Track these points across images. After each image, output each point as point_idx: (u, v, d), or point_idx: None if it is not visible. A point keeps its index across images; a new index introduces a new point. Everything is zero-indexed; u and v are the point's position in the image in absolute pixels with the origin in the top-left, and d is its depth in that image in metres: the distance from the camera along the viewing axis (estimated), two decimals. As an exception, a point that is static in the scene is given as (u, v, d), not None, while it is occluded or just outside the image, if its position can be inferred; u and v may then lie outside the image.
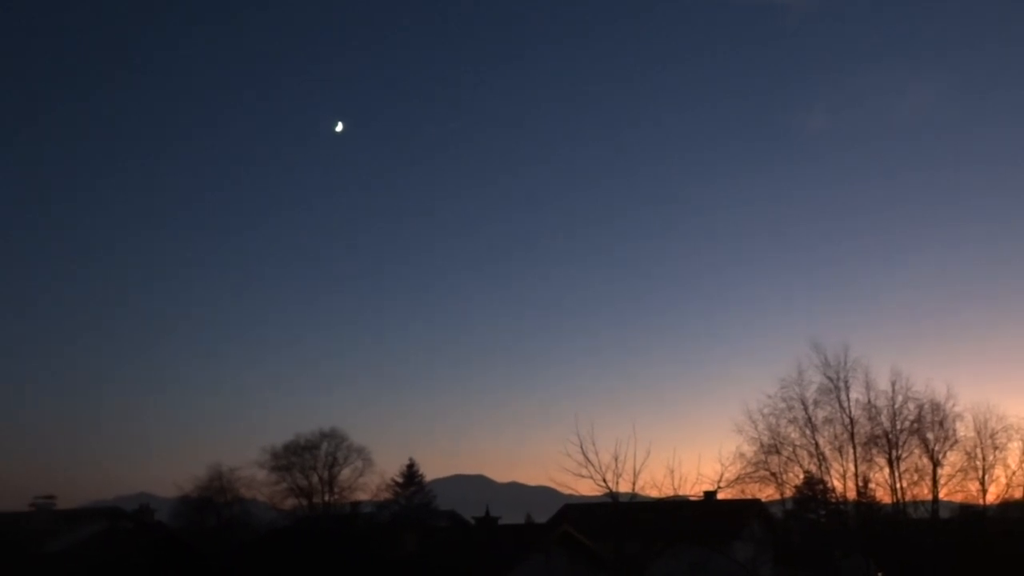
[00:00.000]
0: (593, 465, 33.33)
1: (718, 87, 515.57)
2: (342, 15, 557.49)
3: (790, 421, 39.12)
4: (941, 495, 39.02)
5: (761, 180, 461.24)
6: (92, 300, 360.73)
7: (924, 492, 38.98)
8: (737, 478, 37.14)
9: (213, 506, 56.93)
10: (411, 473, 61.13)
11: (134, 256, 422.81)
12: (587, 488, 34.91)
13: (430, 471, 63.18)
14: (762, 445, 38.96)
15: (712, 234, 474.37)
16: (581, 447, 33.20)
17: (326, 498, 58.58)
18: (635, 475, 33.45)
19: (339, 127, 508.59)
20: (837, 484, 39.23)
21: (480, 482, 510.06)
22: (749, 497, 41.15)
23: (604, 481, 33.65)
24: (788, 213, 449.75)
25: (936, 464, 38.56)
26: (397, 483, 60.63)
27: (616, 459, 33.18)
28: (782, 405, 39.07)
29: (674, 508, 36.89)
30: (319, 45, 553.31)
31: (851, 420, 38.48)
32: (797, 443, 39.12)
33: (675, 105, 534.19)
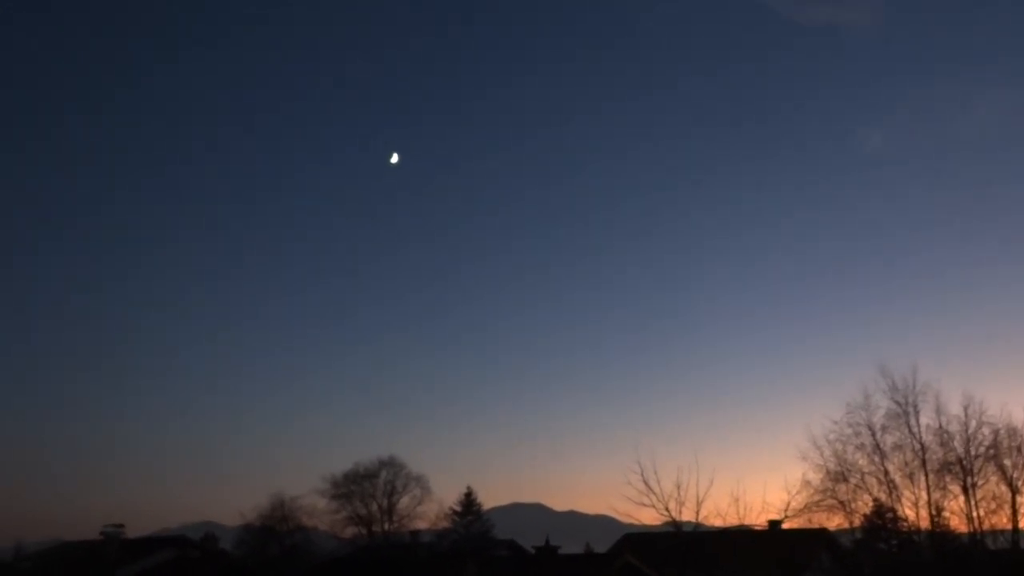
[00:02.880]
0: (655, 494, 32.82)
1: (773, 105, 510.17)
2: (401, 50, 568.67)
3: (857, 447, 38.14)
4: (1022, 524, 37.39)
5: (820, 199, 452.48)
6: (160, 333, 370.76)
7: (1003, 521, 37.47)
8: (804, 507, 36.16)
9: (275, 534, 57.61)
10: (469, 501, 60.95)
11: (201, 294, 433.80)
12: (649, 517, 34.35)
13: (488, 499, 63.03)
14: (828, 472, 38.00)
15: (773, 256, 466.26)
16: (642, 475, 32.74)
17: (385, 527, 58.79)
18: (698, 504, 32.78)
19: (395, 158, 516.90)
20: (909, 513, 38.00)
21: (538, 511, 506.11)
22: (816, 526, 40.03)
23: (667, 510, 33.07)
24: (849, 234, 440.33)
25: (1015, 492, 37.06)
26: (455, 512, 60.50)
27: (678, 488, 32.60)
28: (848, 431, 38.13)
29: (739, 538, 36.04)
30: (375, 76, 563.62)
31: (922, 446, 37.32)
32: (865, 470, 38.10)
33: (730, 125, 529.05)
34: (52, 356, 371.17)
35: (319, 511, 58.89)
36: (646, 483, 32.82)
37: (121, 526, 56.49)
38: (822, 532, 41.98)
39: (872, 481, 38.10)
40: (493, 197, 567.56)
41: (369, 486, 58.79)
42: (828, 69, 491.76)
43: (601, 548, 61.81)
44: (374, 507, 58.72)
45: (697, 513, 33.20)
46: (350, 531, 58.88)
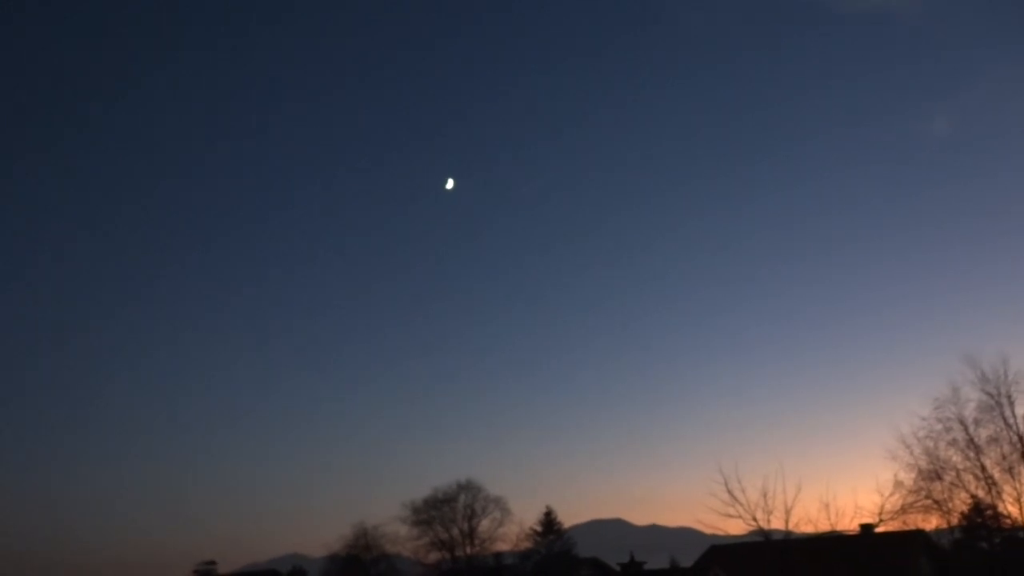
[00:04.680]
0: (741, 503, 32.21)
1: (838, 87, 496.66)
2: (461, 76, 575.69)
3: (949, 443, 36.62)
4: None
5: (896, 187, 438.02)
6: (242, 371, 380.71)
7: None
8: (899, 509, 34.91)
9: (361, 564, 58.33)
10: (549, 521, 60.69)
11: (286, 334, 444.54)
12: (736, 528, 33.73)
13: (567, 517, 62.66)
14: (920, 471, 36.58)
15: (851, 248, 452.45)
16: (726, 485, 32.20)
17: (467, 550, 58.93)
18: (787, 511, 32.06)
19: (450, 184, 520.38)
20: (1011, 509, 36.25)
21: (618, 526, 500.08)
22: (912, 528, 38.56)
23: (754, 519, 32.41)
24: (928, 221, 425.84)
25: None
26: (536, 532, 60.31)
27: (765, 496, 31.98)
28: (938, 427, 36.67)
29: (831, 544, 34.97)
30: (430, 103, 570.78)
31: (1020, 438, 35.61)
32: (960, 467, 36.54)
33: (799, 110, 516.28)
34: (136, 394, 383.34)
35: (402, 538, 59.50)
36: (730, 493, 32.31)
37: (213, 563, 57.99)
38: (918, 534, 40.40)
39: (968, 478, 36.52)
40: (574, 224, 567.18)
41: (449, 511, 59.12)
42: (886, 58, 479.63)
43: (686, 562, 60.71)
44: (455, 531, 58.96)
45: (786, 521, 32.47)
46: (433, 556, 59.24)
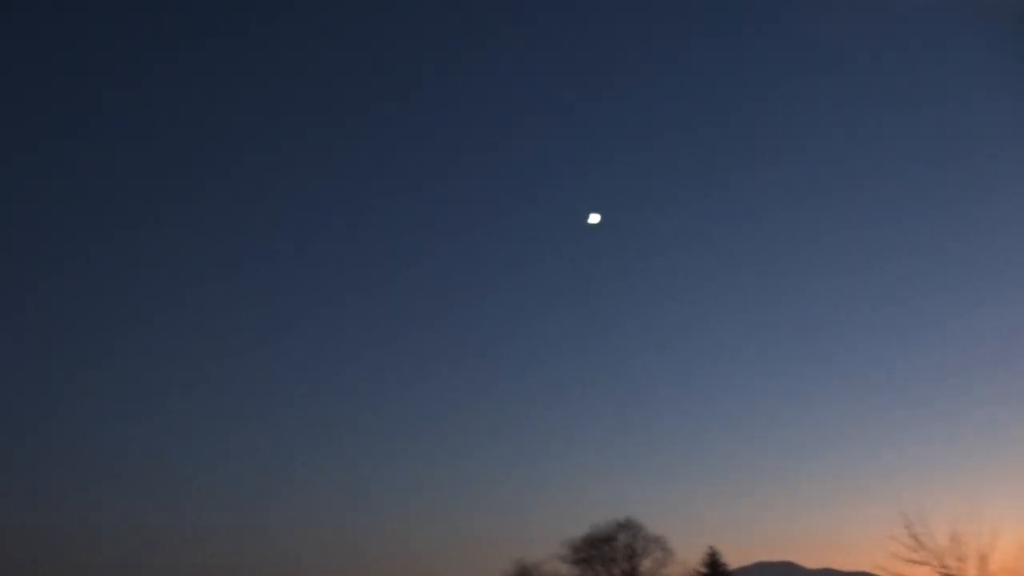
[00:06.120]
0: (927, 548, 29.60)
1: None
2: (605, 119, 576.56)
3: None
4: None
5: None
6: (407, 406, 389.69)
7: None
8: None
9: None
10: (714, 562, 58.56)
11: (447, 372, 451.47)
12: (922, 574, 30.98)
13: (732, 558, 60.10)
14: None
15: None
16: (910, 528, 29.71)
17: (630, 591, 57.71)
18: (983, 558, 29.12)
19: (595, 219, 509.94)
20: None
21: (788, 569, 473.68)
22: None
23: (944, 566, 29.66)
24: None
25: None
26: (700, 573, 58.36)
27: (956, 540, 29.21)
28: None
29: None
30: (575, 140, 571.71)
31: None
32: None
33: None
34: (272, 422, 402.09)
35: (562, 576, 59.11)
36: (914, 536, 29.76)
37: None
38: None
39: None
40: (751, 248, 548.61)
41: (609, 550, 58.36)
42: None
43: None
44: (616, 572, 58.02)
45: (982, 569, 29.50)
46: (595, 597, 58.40)
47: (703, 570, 58.44)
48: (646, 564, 58.06)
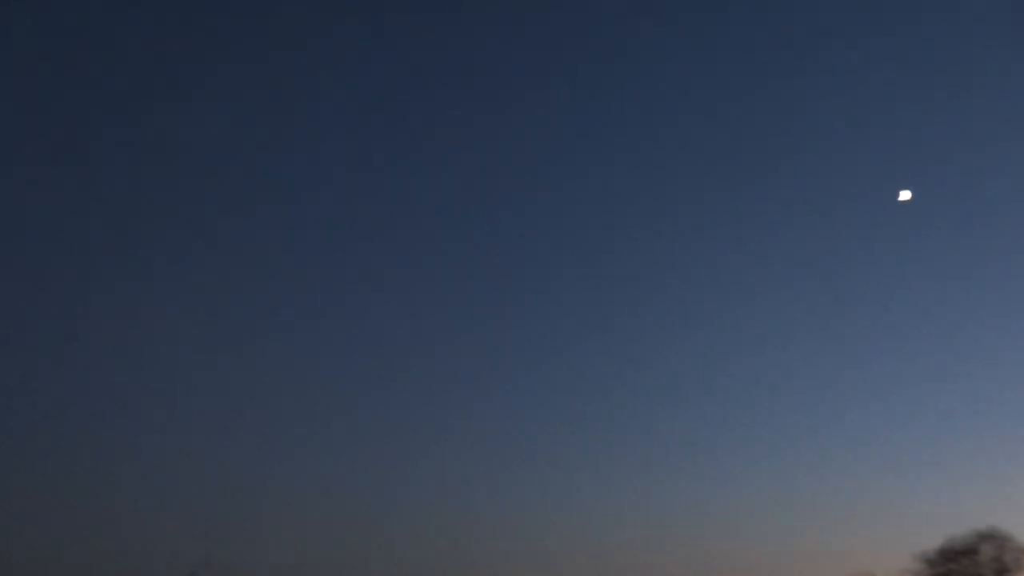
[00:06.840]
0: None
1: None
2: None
3: None
4: None
5: None
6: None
7: None
8: None
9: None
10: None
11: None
12: None
13: None
14: None
15: None
16: None
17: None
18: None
19: (906, 195, 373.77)
20: None
21: None
22: None
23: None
24: None
25: None
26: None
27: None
28: None
29: None
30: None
31: None
32: None
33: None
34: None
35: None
36: None
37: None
38: None
39: None
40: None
41: (970, 563, 52.97)
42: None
43: None
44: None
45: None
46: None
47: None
48: (1018, 580, 52.63)
